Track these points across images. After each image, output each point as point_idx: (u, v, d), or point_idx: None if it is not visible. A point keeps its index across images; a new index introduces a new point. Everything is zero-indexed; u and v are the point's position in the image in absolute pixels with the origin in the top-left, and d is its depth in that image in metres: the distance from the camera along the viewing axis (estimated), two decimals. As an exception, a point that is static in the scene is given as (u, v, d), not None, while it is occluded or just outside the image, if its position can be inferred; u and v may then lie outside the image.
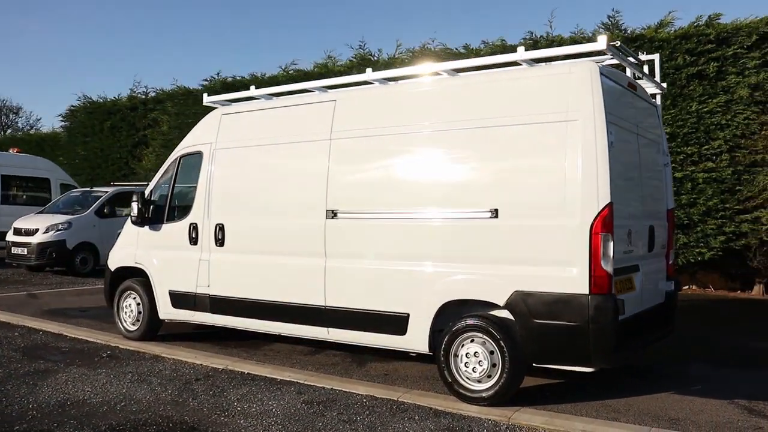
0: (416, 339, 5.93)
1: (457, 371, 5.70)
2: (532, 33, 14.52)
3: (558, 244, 5.19)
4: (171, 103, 19.47)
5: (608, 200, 5.02)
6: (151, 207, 7.88)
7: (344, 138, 6.42)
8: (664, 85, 7.12)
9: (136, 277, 8.21)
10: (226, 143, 7.36)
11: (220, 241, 7.24)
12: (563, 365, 5.40)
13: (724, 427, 5.12)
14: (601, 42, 5.25)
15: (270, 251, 6.88)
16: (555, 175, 5.24)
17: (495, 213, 5.47)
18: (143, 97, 20.74)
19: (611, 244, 5.04)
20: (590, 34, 13.92)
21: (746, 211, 11.81)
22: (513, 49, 14.50)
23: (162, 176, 8.03)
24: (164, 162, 8.13)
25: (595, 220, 5.03)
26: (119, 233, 8.60)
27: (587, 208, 5.07)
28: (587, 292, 5.06)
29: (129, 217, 8.39)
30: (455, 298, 5.70)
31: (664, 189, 6.67)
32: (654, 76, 6.89)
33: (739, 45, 11.99)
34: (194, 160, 7.75)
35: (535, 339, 5.32)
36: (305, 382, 6.40)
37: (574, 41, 13.80)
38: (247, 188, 7.18)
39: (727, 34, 12.16)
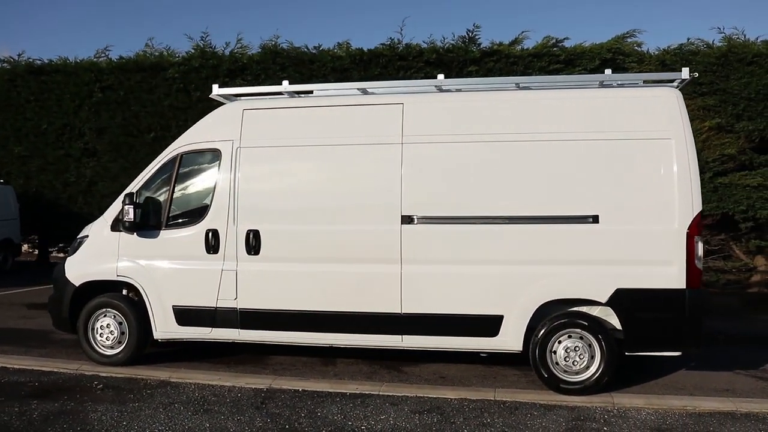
0: (509, 339, 6.20)
1: (554, 366, 6.12)
2: (392, 39, 15.15)
3: (658, 246, 5.93)
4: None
5: (700, 208, 5.90)
6: (141, 211, 6.82)
7: (420, 143, 6.36)
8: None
9: (110, 292, 7.05)
10: (257, 141, 6.71)
11: (253, 249, 6.59)
12: (656, 352, 6.15)
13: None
14: (685, 72, 6.11)
15: (326, 259, 6.49)
16: (652, 185, 5.96)
17: (596, 219, 6.01)
18: None
19: (701, 245, 5.92)
20: (448, 44, 14.92)
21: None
22: (373, 52, 14.82)
23: (153, 176, 6.98)
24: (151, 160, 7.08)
25: (690, 224, 5.86)
26: (79, 241, 7.23)
27: (684, 215, 5.88)
28: (684, 287, 5.88)
29: (98, 223, 7.16)
30: (555, 298, 6.11)
31: None
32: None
33: (583, 67, 14.02)
34: (205, 158, 6.90)
35: (636, 330, 6.00)
36: (380, 393, 6.24)
37: (435, 50, 14.78)
38: (292, 192, 6.64)
39: (575, 56, 14.14)
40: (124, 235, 6.91)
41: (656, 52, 14.14)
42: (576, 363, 6.09)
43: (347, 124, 6.59)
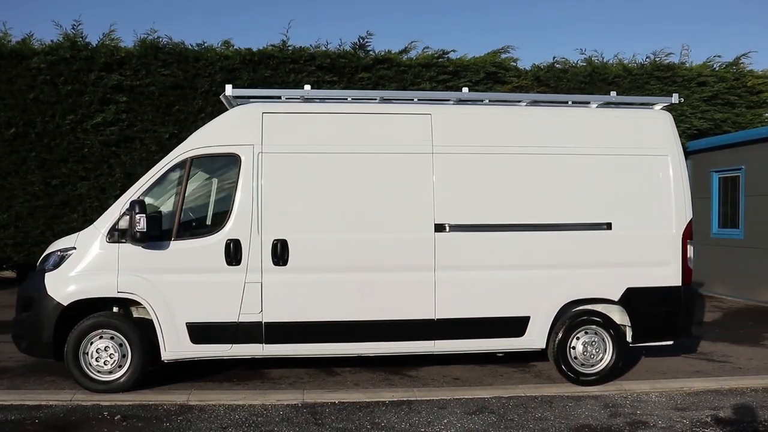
0: (534, 338, 6.66)
1: (572, 360, 6.70)
2: (284, 42, 14.94)
3: (659, 249, 6.76)
4: None
5: (691, 216, 6.83)
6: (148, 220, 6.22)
7: (449, 153, 6.56)
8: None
9: (103, 311, 6.35)
10: (280, 147, 6.42)
11: (282, 260, 6.33)
12: (655, 342, 6.96)
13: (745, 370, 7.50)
14: (675, 98, 7.02)
15: (358, 268, 6.42)
16: (654, 195, 6.78)
17: (609, 226, 6.69)
18: None
19: (691, 247, 6.85)
20: (337, 49, 15.04)
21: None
22: (263, 53, 14.32)
23: (157, 182, 6.37)
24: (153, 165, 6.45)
25: (684, 230, 6.77)
26: (60, 254, 6.36)
27: (680, 222, 6.78)
28: (680, 284, 6.77)
29: (88, 234, 6.38)
30: (576, 298, 6.68)
31: None
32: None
33: (468, 79, 14.98)
34: (221, 163, 6.49)
35: (642, 324, 6.77)
36: (419, 399, 6.35)
37: (327, 55, 14.84)
38: (322, 200, 6.44)
39: (461, 68, 15.05)
40: (124, 247, 6.24)
41: (530, 68, 15.53)
42: (592, 356, 6.73)
43: (375, 133, 6.59)
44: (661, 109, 7.12)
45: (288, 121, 6.56)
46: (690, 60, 15.83)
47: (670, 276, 6.78)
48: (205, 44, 14.70)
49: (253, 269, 6.34)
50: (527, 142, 6.70)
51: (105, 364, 6.26)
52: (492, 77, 15.22)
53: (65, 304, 6.21)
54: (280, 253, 6.34)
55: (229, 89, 6.57)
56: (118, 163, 13.91)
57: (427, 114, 6.68)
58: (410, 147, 6.58)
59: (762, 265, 12.12)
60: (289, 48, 14.89)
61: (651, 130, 6.91)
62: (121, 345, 6.28)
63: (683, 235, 6.79)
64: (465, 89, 6.99)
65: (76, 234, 6.48)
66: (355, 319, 6.46)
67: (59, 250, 6.42)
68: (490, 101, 7.13)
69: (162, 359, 6.38)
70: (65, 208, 13.75)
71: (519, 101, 7.09)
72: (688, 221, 6.82)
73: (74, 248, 6.34)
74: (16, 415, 5.73)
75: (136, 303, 6.46)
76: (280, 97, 6.82)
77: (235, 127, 6.52)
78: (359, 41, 15.20)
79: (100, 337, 6.27)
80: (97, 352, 6.25)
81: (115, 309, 6.46)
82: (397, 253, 6.50)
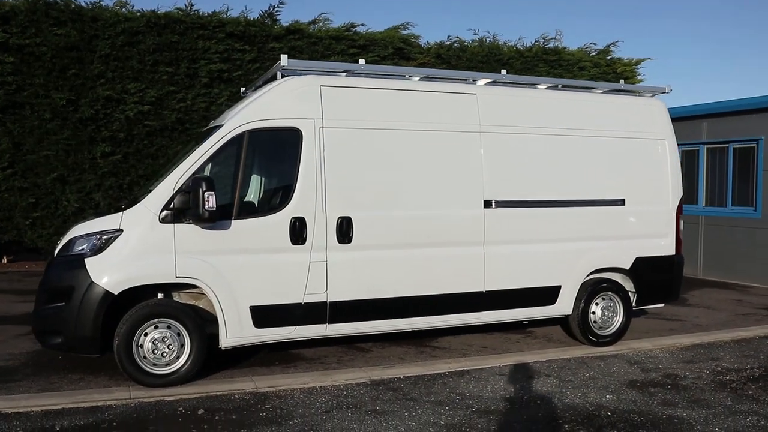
0: (564, 305, 7.20)
1: (592, 324, 7.36)
2: (189, 5, 14.02)
3: (660, 222, 7.62)
4: None
5: (681, 193, 7.76)
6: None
7: (493, 132, 6.80)
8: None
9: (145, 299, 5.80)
10: (339, 122, 6.21)
11: (347, 238, 6.19)
12: (653, 304, 7.83)
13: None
14: (668, 88, 7.85)
15: (417, 244, 6.46)
16: (656, 175, 7.61)
17: (623, 202, 7.40)
18: None
19: (681, 221, 7.79)
20: (244, 16, 14.46)
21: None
22: (170, 16, 13.40)
23: (211, 158, 5.85)
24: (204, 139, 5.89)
25: (678, 205, 7.70)
26: (101, 237, 5.62)
27: (674, 198, 7.69)
28: (674, 253, 7.70)
29: (136, 214, 5.71)
30: (597, 268, 7.31)
31: None
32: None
33: (377, 54, 15.16)
34: (280, 137, 6.11)
35: (644, 289, 7.59)
36: (475, 368, 6.60)
37: (238, 22, 14.14)
38: (383, 177, 6.32)
39: (370, 42, 15.18)
40: (180, 228, 5.70)
41: (429, 46, 16.06)
42: (608, 320, 7.44)
43: (428, 110, 6.63)
44: (652, 96, 7.97)
45: (343, 96, 6.36)
46: (562, 44, 17.36)
47: (667, 246, 7.68)
48: (101, 2, 13.33)
49: (318, 248, 6.13)
50: (559, 123, 7.17)
51: (163, 356, 5.71)
52: (399, 53, 15.53)
53: (116, 292, 5.56)
54: (345, 230, 6.19)
55: (284, 60, 6.19)
56: (4, 131, 12.25)
57: (472, 94, 6.86)
58: (460, 125, 6.73)
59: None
60: (194, 12, 13.99)
61: (652, 116, 7.71)
62: (178, 334, 5.77)
63: (677, 210, 7.71)
64: (503, 71, 7.26)
65: (119, 214, 5.76)
66: (414, 295, 6.53)
67: (98, 233, 5.69)
68: (520, 83, 7.47)
69: (221, 346, 5.97)
70: (-61, 183, 11.82)
71: (537, 84, 7.52)
72: (679, 198, 7.75)
73: (120, 230, 5.66)
74: (84, 419, 5.05)
75: (180, 288, 5.99)
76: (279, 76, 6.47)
77: (294, 100, 6.18)
78: (270, 9, 14.69)
79: (156, 327, 5.70)
80: (153, 343, 5.68)
81: (159, 295, 5.90)
82: (452, 228, 6.66)
